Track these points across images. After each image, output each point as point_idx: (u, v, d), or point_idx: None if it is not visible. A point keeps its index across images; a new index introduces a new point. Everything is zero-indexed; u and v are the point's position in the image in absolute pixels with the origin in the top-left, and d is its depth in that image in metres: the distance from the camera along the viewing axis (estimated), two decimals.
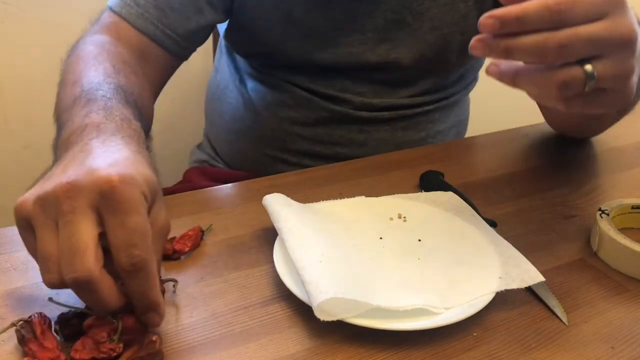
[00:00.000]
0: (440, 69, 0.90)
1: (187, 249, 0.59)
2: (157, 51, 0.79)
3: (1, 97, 1.20)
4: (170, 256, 0.58)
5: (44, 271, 0.44)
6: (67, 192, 0.43)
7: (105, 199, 0.43)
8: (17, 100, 1.21)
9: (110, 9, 0.78)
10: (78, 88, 0.62)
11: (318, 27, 0.82)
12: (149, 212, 0.45)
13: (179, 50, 0.80)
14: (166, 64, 0.81)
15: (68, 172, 0.45)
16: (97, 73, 0.65)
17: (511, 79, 0.49)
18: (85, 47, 0.72)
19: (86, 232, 0.42)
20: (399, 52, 0.85)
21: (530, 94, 0.51)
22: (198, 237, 0.60)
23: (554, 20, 0.45)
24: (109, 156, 0.46)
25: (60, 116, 0.63)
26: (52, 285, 0.44)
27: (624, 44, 0.47)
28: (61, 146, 0.55)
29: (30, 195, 0.47)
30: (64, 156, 0.51)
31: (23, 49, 1.19)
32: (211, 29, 0.84)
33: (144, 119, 0.64)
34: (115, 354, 0.45)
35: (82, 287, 0.42)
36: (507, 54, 0.47)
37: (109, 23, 0.78)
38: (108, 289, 0.43)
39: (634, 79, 0.49)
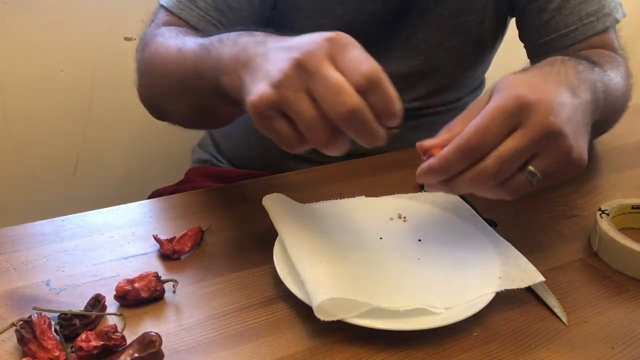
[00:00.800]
0: (456, 60, 0.90)
1: (187, 249, 0.59)
2: None
3: (1, 97, 1.20)
4: (170, 256, 0.58)
5: (315, 135, 0.49)
6: (305, 57, 0.48)
7: (334, 46, 0.48)
8: (17, 100, 1.21)
9: (167, 9, 0.78)
10: (192, 42, 0.66)
11: (355, 20, 0.83)
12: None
13: None
14: None
15: (277, 54, 0.51)
16: (196, 36, 0.68)
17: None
18: (161, 32, 0.74)
19: (337, 75, 0.47)
20: (420, 39, 0.85)
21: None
22: (198, 237, 0.60)
23: (474, 156, 0.50)
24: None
25: (199, 67, 0.64)
26: (322, 142, 0.49)
27: (548, 138, 0.50)
28: (233, 64, 0.57)
29: (261, 89, 0.50)
30: (252, 58, 0.54)
31: (23, 49, 1.19)
32: (263, 24, 0.85)
33: None
34: (125, 343, 0.46)
35: (355, 118, 0.47)
36: (454, 191, 0.53)
37: (167, 21, 0.78)
38: (371, 117, 0.48)
39: (577, 150, 0.52)
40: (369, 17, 0.83)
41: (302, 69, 0.48)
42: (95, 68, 1.25)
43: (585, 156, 0.53)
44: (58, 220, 0.64)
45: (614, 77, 0.72)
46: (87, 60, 1.24)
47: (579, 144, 0.52)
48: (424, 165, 0.52)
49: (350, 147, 0.54)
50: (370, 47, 0.84)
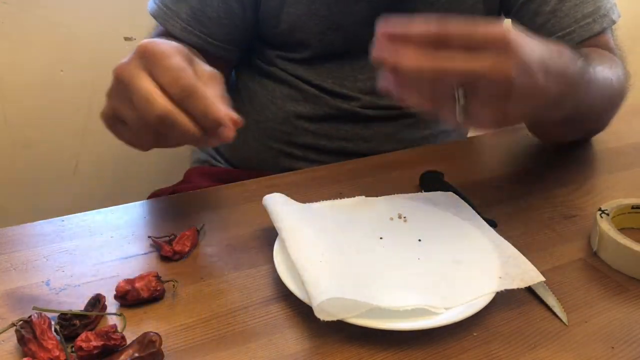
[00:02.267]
0: None
1: (187, 249, 0.59)
2: (207, 56, 0.83)
3: (1, 97, 1.20)
4: (172, 257, 0.58)
5: (141, 135, 0.56)
6: (120, 71, 0.55)
7: (145, 58, 0.53)
8: (17, 100, 1.21)
9: (155, 19, 0.84)
10: None
11: (341, 20, 0.84)
12: (191, 67, 0.55)
13: (227, 53, 0.86)
14: (220, 64, 0.85)
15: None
16: None
17: (397, 91, 0.53)
18: None
19: (147, 85, 0.52)
20: None
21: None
22: (195, 237, 0.60)
23: (435, 42, 0.49)
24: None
25: None
26: (149, 141, 0.57)
27: (499, 85, 0.50)
28: None
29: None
30: None
31: (23, 49, 1.19)
32: (251, 26, 0.87)
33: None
34: (125, 342, 0.46)
35: (164, 122, 0.52)
36: (399, 66, 0.51)
37: (161, 32, 0.85)
38: (184, 117, 0.52)
39: (516, 113, 0.52)
40: (356, 18, 0.83)
41: (119, 81, 0.55)
42: (95, 68, 1.25)
43: (518, 120, 0.54)
44: (58, 220, 0.64)
45: (602, 70, 0.71)
46: (87, 60, 1.24)
47: (513, 112, 0.52)
48: (423, 23, 0.51)
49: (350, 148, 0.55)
50: (362, 48, 0.85)
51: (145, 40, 0.55)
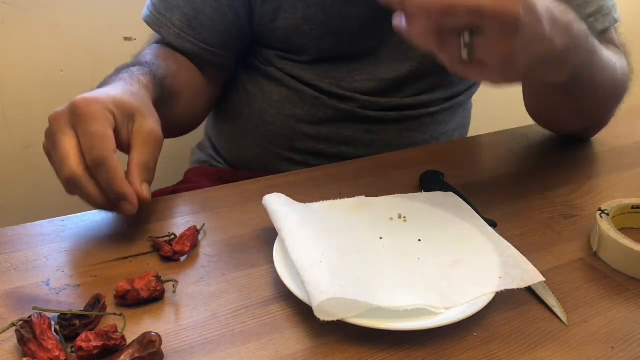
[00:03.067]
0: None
1: (187, 249, 0.59)
2: (201, 62, 0.86)
3: (1, 97, 1.20)
4: (172, 257, 0.58)
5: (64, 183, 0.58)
6: (52, 120, 0.57)
7: (73, 115, 0.56)
8: (17, 100, 1.21)
9: (149, 26, 0.87)
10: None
11: (336, 25, 0.84)
12: (130, 123, 0.59)
13: (222, 59, 0.88)
14: (215, 69, 0.89)
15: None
16: (138, 59, 0.79)
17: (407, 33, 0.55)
18: (142, 53, 0.85)
19: (67, 143, 0.56)
20: (407, 44, 0.85)
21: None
22: (195, 237, 0.60)
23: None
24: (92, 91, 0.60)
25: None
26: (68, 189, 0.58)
27: (506, 24, 0.50)
28: None
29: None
30: None
31: (23, 49, 1.19)
32: (246, 33, 0.88)
33: (165, 89, 0.75)
34: (125, 342, 0.46)
35: (72, 184, 0.56)
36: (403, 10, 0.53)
37: (158, 39, 0.87)
38: (91, 185, 0.56)
39: (520, 61, 0.52)
40: (352, 22, 0.83)
41: (49, 130, 0.58)
42: (95, 68, 1.25)
43: (516, 72, 0.54)
44: (58, 220, 0.64)
45: (606, 52, 0.72)
46: (87, 60, 1.24)
47: (521, 56, 0.52)
48: None
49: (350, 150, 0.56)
50: (359, 51, 0.85)
51: (81, 97, 0.57)
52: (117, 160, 0.56)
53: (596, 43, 0.68)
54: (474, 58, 0.52)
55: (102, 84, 0.70)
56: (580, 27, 0.62)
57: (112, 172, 0.55)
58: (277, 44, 0.88)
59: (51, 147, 0.58)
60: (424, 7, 0.51)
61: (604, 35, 0.82)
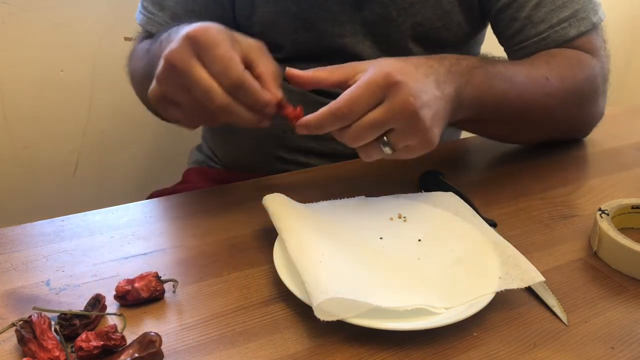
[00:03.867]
0: None
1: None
2: None
3: (1, 97, 1.20)
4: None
5: (196, 118, 0.61)
6: (173, 58, 0.56)
7: (194, 46, 0.56)
8: (17, 100, 1.21)
9: (143, 28, 0.87)
10: (142, 51, 0.79)
11: (311, 18, 0.83)
12: (235, 44, 0.58)
13: None
14: None
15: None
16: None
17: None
18: (136, 46, 0.85)
19: (203, 74, 0.56)
20: (389, 45, 0.85)
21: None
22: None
23: (344, 120, 0.57)
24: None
25: (145, 67, 0.76)
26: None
27: (405, 115, 0.57)
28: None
29: (152, 85, 0.60)
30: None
31: (23, 49, 1.19)
32: (233, 28, 0.87)
33: None
34: (125, 343, 0.46)
35: (224, 113, 0.57)
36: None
37: (146, 37, 0.86)
38: (240, 107, 0.57)
39: (429, 133, 0.59)
40: (327, 14, 0.83)
41: (172, 68, 0.56)
42: (95, 68, 1.25)
43: (436, 140, 0.60)
44: (58, 220, 0.64)
45: (534, 77, 0.75)
46: (87, 60, 1.24)
47: (432, 129, 0.59)
48: (302, 121, 0.60)
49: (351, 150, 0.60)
50: (336, 50, 0.85)
51: (191, 29, 0.56)
52: (250, 75, 0.57)
53: (491, 71, 0.71)
54: (396, 149, 0.59)
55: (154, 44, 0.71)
56: (460, 64, 0.67)
57: (252, 89, 0.57)
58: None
59: (174, 87, 0.58)
60: (341, 138, 0.59)
61: (577, 41, 0.81)
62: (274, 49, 0.87)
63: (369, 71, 0.58)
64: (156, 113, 0.86)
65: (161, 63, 0.57)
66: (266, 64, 0.61)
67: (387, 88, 0.56)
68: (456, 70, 0.66)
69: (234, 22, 0.87)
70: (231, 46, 0.57)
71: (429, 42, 0.86)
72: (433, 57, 0.66)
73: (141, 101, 0.86)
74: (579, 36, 0.81)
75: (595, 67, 0.80)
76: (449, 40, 0.87)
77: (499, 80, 0.71)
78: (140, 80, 0.81)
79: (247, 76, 0.57)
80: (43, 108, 1.24)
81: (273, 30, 0.85)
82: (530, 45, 0.81)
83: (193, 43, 0.56)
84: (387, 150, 0.59)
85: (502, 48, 0.87)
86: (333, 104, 0.57)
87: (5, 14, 1.15)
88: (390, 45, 0.85)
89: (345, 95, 0.57)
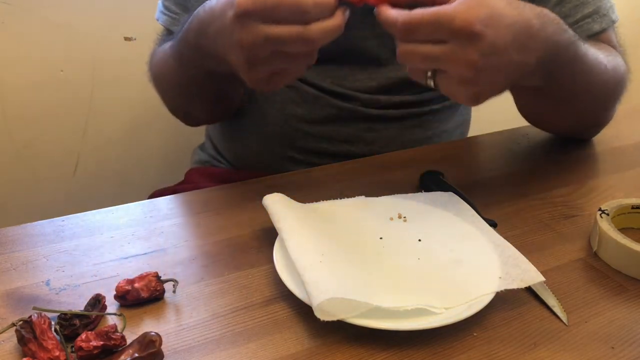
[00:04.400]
0: None
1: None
2: None
3: (1, 97, 1.20)
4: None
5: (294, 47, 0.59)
6: (245, 9, 0.57)
7: (259, 12, 0.56)
8: (17, 100, 1.21)
9: (166, 29, 0.87)
10: (170, 44, 0.79)
11: None
12: None
13: None
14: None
15: (220, 16, 0.61)
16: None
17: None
18: (158, 49, 0.85)
19: (280, 28, 0.57)
20: None
21: None
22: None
23: (404, 36, 0.56)
24: None
25: (174, 63, 0.78)
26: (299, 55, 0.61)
27: (463, 72, 0.55)
28: (197, 41, 0.69)
29: (235, 53, 0.61)
30: (206, 25, 0.66)
31: (23, 49, 1.19)
32: None
33: None
34: (125, 343, 0.46)
35: (330, 35, 0.58)
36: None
37: (167, 38, 0.86)
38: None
39: (485, 95, 0.58)
40: (349, 17, 0.83)
41: (247, 14, 0.57)
42: (95, 68, 1.25)
43: (481, 102, 0.58)
44: (58, 220, 0.64)
45: (595, 52, 0.73)
46: (87, 60, 1.24)
47: (485, 93, 0.57)
48: (392, 13, 0.56)
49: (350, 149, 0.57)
50: (361, 52, 0.85)
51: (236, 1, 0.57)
52: None
53: (581, 49, 0.68)
54: (439, 88, 0.58)
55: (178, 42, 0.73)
56: (560, 37, 0.63)
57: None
58: None
59: (264, 46, 0.58)
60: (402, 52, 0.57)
61: (601, 36, 0.82)
62: None
63: (457, 3, 0.54)
64: (188, 119, 0.89)
65: (232, 17, 0.58)
66: None
67: (460, 34, 0.53)
68: (555, 41, 0.62)
69: None
70: None
71: None
72: (541, 14, 0.61)
73: (170, 109, 0.87)
74: (601, 32, 0.81)
75: (622, 65, 0.81)
76: None
77: (579, 62, 0.69)
78: (168, 77, 0.81)
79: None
80: (43, 108, 1.24)
81: None
82: None
83: (254, 11, 0.57)
84: (430, 83, 0.57)
85: None
86: (401, 16, 0.55)
87: (5, 14, 1.15)
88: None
89: (416, 14, 0.54)
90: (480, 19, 0.53)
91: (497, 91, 0.59)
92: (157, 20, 0.87)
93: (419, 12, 0.54)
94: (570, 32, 0.66)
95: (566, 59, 0.66)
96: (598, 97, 0.78)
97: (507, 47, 0.55)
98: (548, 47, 0.61)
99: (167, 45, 0.81)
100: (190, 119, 0.92)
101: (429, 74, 0.57)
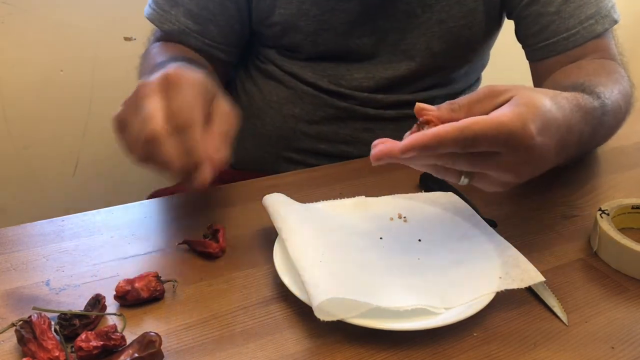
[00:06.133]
0: (446, 64, 0.90)
1: (225, 245, 0.60)
2: (206, 57, 0.86)
3: (1, 97, 1.20)
4: (214, 255, 0.59)
5: (134, 148, 0.56)
6: (141, 87, 0.56)
7: (165, 83, 0.55)
8: (17, 100, 1.21)
9: (152, 22, 0.87)
10: (152, 62, 0.79)
11: (331, 19, 0.83)
12: (210, 102, 0.58)
13: (225, 55, 0.87)
14: (219, 65, 0.88)
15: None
16: (165, 54, 0.79)
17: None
18: (150, 49, 0.85)
19: (155, 105, 0.54)
20: (408, 44, 0.85)
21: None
22: (224, 232, 0.61)
23: (458, 149, 0.49)
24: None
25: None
26: (139, 157, 0.56)
27: (506, 176, 0.52)
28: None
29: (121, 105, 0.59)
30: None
31: (23, 49, 1.19)
32: (247, 26, 0.88)
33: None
34: (124, 343, 0.46)
35: (152, 144, 0.53)
36: (405, 162, 0.53)
37: (160, 36, 0.88)
38: (172, 144, 0.53)
39: (518, 182, 0.54)
40: (348, 17, 0.83)
41: (135, 94, 0.56)
42: (95, 68, 1.25)
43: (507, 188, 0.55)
44: (58, 220, 0.64)
45: (613, 99, 0.70)
46: (87, 60, 1.24)
47: (520, 180, 0.54)
48: (408, 145, 0.51)
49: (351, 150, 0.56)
50: (357, 50, 0.85)
51: (172, 69, 0.57)
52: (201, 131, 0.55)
53: (606, 104, 0.66)
54: (472, 181, 0.54)
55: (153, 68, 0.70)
56: (594, 118, 0.62)
57: (196, 139, 0.54)
58: (274, 40, 0.88)
59: (131, 112, 0.56)
60: (436, 165, 0.53)
61: (602, 40, 0.82)
62: (293, 49, 0.88)
63: (511, 111, 0.50)
64: None
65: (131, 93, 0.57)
66: (223, 126, 0.58)
67: (517, 148, 0.49)
68: (583, 122, 0.60)
69: (249, 22, 0.87)
70: (200, 99, 0.56)
71: (451, 41, 0.86)
72: (573, 105, 0.59)
73: None
74: (602, 34, 0.82)
75: (627, 82, 0.79)
76: (470, 39, 0.87)
77: (597, 124, 0.66)
78: None
79: (199, 127, 0.54)
80: (43, 108, 1.24)
81: (292, 32, 0.85)
82: (559, 42, 0.81)
83: (165, 80, 0.56)
84: (464, 181, 0.53)
85: (502, 52, 0.88)
86: (457, 131, 0.48)
87: (5, 14, 1.15)
88: (409, 45, 0.86)
89: (474, 127, 0.48)
90: (537, 131, 0.50)
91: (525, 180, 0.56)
92: (145, 15, 0.87)
93: (477, 124, 0.48)
94: (597, 100, 0.64)
95: (589, 129, 0.63)
96: (615, 131, 0.78)
97: (550, 151, 0.53)
98: (582, 141, 0.61)
99: (154, 49, 0.83)
100: None
101: (465, 174, 0.53)
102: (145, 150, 0.54)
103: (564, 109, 0.56)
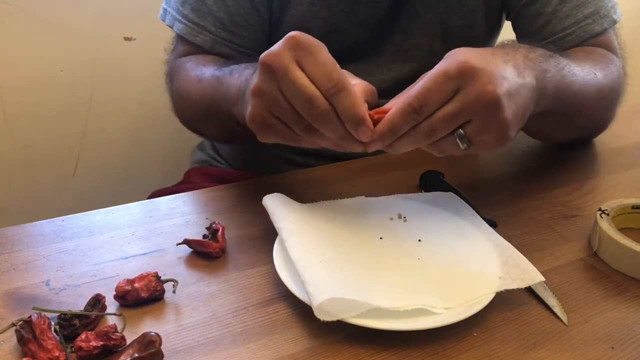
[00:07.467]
0: None
1: (225, 244, 0.60)
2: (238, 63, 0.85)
3: (1, 97, 1.20)
4: (214, 255, 0.59)
5: (297, 129, 0.55)
6: (269, 60, 0.53)
7: (295, 50, 0.53)
8: (17, 100, 1.21)
9: (182, 37, 0.83)
10: (209, 73, 0.75)
11: (341, 22, 0.83)
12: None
13: (256, 60, 0.85)
14: None
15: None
16: (213, 65, 0.77)
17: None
18: (183, 64, 0.82)
19: (304, 79, 0.53)
20: (410, 44, 0.85)
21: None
22: (223, 232, 0.61)
23: (417, 116, 0.52)
24: None
25: (215, 98, 0.73)
26: (305, 134, 0.55)
27: (485, 105, 0.52)
28: (238, 94, 0.66)
29: (249, 104, 0.57)
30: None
31: (23, 49, 1.19)
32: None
33: None
34: (124, 343, 0.46)
35: (321, 121, 0.53)
36: (392, 151, 0.56)
37: (185, 50, 0.84)
38: (335, 118, 0.53)
39: (509, 124, 0.54)
40: (357, 20, 0.83)
41: (270, 70, 0.53)
42: (95, 68, 1.25)
43: (513, 135, 0.56)
44: (58, 220, 0.64)
45: (587, 71, 0.72)
46: (87, 60, 1.24)
47: (513, 121, 0.54)
48: (375, 134, 0.54)
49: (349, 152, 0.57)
50: (361, 52, 0.85)
51: (294, 32, 0.54)
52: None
53: (566, 70, 0.68)
54: (472, 143, 0.54)
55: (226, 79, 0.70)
56: (547, 78, 0.63)
57: (353, 96, 0.53)
58: None
59: (276, 91, 0.54)
60: (413, 143, 0.54)
61: (601, 38, 0.82)
62: None
63: (441, 62, 0.53)
64: (196, 132, 0.88)
65: (257, 73, 0.55)
66: (363, 83, 0.58)
67: (462, 76, 0.51)
68: (533, 57, 0.62)
69: (269, 26, 0.86)
70: (328, 52, 0.54)
71: (452, 41, 0.86)
72: (507, 45, 0.62)
73: (181, 120, 0.85)
74: (601, 33, 0.81)
75: (621, 68, 0.81)
76: (470, 40, 0.87)
77: (567, 72, 0.68)
78: (194, 102, 0.78)
79: (350, 83, 0.53)
80: (43, 108, 1.24)
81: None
82: (555, 42, 0.81)
83: (294, 44, 0.53)
84: (463, 144, 0.54)
85: None
86: (402, 102, 0.53)
87: (5, 14, 1.14)
88: (411, 45, 0.86)
89: (416, 89, 0.52)
90: (470, 57, 0.52)
91: (521, 120, 0.57)
92: (172, 27, 0.84)
93: (418, 85, 0.53)
94: (540, 48, 0.66)
95: (554, 70, 0.65)
96: (593, 106, 0.78)
97: (506, 72, 0.55)
98: (535, 63, 0.62)
99: (202, 71, 0.77)
100: (197, 134, 0.91)
101: (459, 135, 0.54)
102: (312, 125, 0.54)
103: (498, 51, 0.59)
